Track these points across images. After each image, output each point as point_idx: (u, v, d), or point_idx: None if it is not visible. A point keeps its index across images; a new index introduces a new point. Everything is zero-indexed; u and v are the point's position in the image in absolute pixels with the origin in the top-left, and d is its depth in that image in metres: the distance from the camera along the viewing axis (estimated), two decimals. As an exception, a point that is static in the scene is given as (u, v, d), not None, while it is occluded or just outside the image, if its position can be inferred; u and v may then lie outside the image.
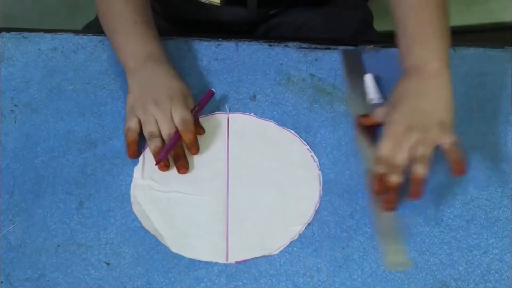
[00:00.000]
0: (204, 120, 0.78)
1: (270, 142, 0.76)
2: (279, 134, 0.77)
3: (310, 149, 0.75)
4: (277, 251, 0.67)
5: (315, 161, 0.74)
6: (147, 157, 0.74)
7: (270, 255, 0.67)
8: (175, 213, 0.70)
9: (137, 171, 0.73)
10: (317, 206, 0.70)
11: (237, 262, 0.66)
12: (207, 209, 0.70)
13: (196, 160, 0.74)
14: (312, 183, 0.72)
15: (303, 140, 0.75)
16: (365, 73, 0.81)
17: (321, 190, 0.71)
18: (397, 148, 0.66)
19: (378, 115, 0.72)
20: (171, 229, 0.69)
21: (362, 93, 0.79)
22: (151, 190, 0.72)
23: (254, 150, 0.75)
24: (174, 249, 0.67)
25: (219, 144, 0.76)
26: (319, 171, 0.73)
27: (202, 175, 0.73)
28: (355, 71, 0.81)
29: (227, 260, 0.66)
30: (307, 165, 0.74)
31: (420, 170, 0.65)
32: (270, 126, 0.77)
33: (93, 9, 1.03)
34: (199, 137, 0.75)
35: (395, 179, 0.66)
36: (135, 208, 0.70)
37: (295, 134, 0.76)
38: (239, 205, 0.71)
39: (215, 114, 0.79)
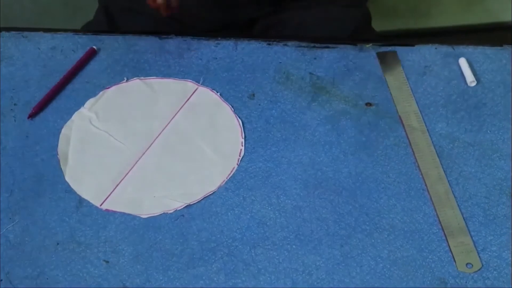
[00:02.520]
0: (173, 83, 0.81)
1: (214, 125, 0.78)
2: (227, 121, 0.78)
3: (243, 144, 0.75)
4: (145, 216, 0.69)
5: (239, 156, 0.74)
6: (106, 96, 0.80)
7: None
8: (91, 149, 0.75)
9: (89, 103, 0.79)
10: (207, 195, 0.71)
11: (106, 210, 0.70)
12: (119, 157, 0.74)
13: (142, 113, 0.79)
14: (221, 175, 0.73)
15: (242, 133, 0.76)
16: (402, 70, 0.82)
17: (225, 183, 0.72)
18: None
19: None
20: (77, 160, 0.74)
21: (405, 89, 0.81)
22: (89, 122, 0.77)
23: (196, 127, 0.77)
24: (67, 177, 0.72)
25: (170, 109, 0.79)
26: (236, 166, 0.74)
27: (138, 128, 0.77)
28: (392, 69, 0.82)
29: (100, 205, 0.70)
30: (231, 157, 0.74)
31: None
32: (225, 110, 0.79)
33: (92, 9, 1.04)
34: (156, 95, 0.80)
35: None
36: (64, 130, 0.76)
37: (240, 125, 0.77)
38: (147, 167, 0.74)
39: (187, 81, 0.82)
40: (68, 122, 0.78)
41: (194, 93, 0.81)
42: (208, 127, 0.77)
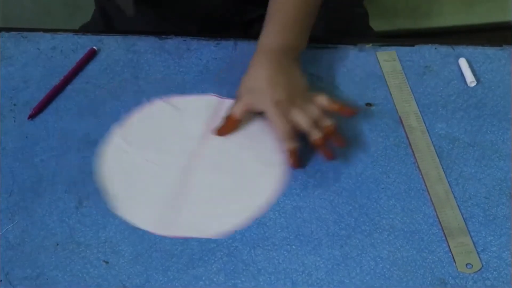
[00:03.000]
0: (197, 100, 0.80)
1: (249, 133, 0.77)
2: (260, 129, 0.77)
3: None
4: (212, 236, 0.68)
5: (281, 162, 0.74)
6: (132, 122, 0.78)
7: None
8: (130, 176, 0.73)
9: (117, 131, 0.77)
10: (267, 205, 0.70)
11: (174, 237, 0.68)
12: (161, 181, 0.73)
13: (171, 134, 0.77)
14: (270, 184, 0.72)
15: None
16: (402, 70, 0.82)
17: (278, 190, 0.72)
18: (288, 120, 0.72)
19: (237, 112, 0.75)
20: (124, 192, 0.72)
21: (405, 89, 0.81)
22: (121, 149, 0.75)
23: (230, 139, 0.76)
24: (120, 212, 0.70)
25: (198, 125, 0.77)
26: (282, 172, 0.73)
27: (171, 149, 0.75)
28: (392, 69, 0.83)
29: (156, 231, 0.68)
30: (274, 164, 0.74)
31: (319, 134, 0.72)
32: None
33: (91, 9, 1.04)
34: (182, 114, 0.78)
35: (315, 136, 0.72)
36: (100, 168, 0.74)
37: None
38: (192, 186, 0.72)
39: (210, 95, 0.80)
40: (101, 158, 0.75)
41: (221, 106, 0.79)
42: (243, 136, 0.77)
